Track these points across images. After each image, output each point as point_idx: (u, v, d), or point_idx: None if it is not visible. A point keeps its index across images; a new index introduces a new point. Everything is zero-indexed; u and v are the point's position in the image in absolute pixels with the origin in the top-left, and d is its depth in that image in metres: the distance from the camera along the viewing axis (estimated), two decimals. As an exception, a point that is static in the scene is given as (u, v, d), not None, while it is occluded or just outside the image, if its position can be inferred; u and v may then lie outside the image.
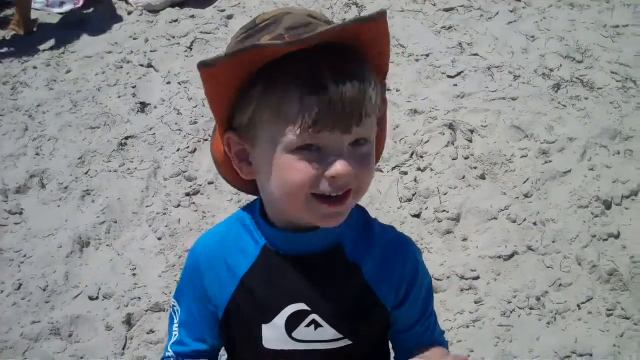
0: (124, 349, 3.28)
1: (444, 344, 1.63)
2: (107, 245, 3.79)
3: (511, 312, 3.41)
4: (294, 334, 1.44)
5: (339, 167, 1.26)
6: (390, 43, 1.36)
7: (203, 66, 1.27)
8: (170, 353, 1.60)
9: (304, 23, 1.32)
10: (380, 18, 1.26)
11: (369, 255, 1.48)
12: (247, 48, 1.24)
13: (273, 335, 1.45)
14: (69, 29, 5.74)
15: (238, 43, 1.36)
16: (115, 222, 3.91)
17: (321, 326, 1.44)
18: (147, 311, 3.42)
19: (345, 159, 1.27)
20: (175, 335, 1.59)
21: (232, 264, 1.47)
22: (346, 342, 1.47)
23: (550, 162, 4.23)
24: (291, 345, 1.45)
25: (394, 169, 4.23)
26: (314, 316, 1.44)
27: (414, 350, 1.52)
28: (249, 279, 1.45)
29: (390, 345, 1.64)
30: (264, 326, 1.45)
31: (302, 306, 1.43)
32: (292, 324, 1.44)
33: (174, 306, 1.62)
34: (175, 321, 1.60)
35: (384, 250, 1.50)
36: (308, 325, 1.44)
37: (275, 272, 1.44)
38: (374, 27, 1.27)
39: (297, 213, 1.37)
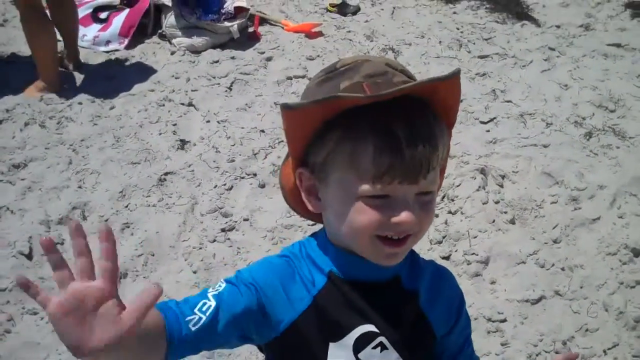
0: (157, 378, 3.36)
1: None
2: (144, 277, 3.91)
3: (537, 355, 3.45)
4: (360, 355, 1.48)
5: (404, 216, 1.36)
6: (460, 99, 1.44)
7: (286, 108, 1.38)
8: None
9: (381, 72, 1.40)
10: (456, 76, 1.35)
11: (420, 284, 1.57)
12: (330, 98, 1.32)
13: (339, 353, 1.48)
14: (113, 67, 5.95)
15: (318, 85, 1.46)
16: (153, 255, 4.03)
17: (387, 349, 1.49)
18: (180, 342, 3.51)
19: (411, 208, 1.37)
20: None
21: (304, 283, 1.50)
22: None
23: (580, 208, 4.29)
24: None
25: (424, 211, 4.30)
26: (382, 339, 1.49)
27: None
28: (321, 298, 1.49)
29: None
30: (331, 344, 1.48)
31: (371, 327, 1.49)
32: (360, 344, 1.48)
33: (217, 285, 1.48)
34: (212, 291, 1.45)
35: (431, 279, 1.60)
36: (375, 347, 1.49)
37: (344, 295, 1.49)
38: (450, 84, 1.36)
39: (360, 250, 1.46)
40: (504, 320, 3.63)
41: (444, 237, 4.11)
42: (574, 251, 4.01)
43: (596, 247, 4.02)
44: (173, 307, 1.37)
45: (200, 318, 1.36)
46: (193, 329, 1.34)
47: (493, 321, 3.61)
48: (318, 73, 1.51)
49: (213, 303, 1.39)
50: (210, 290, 1.44)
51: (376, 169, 1.33)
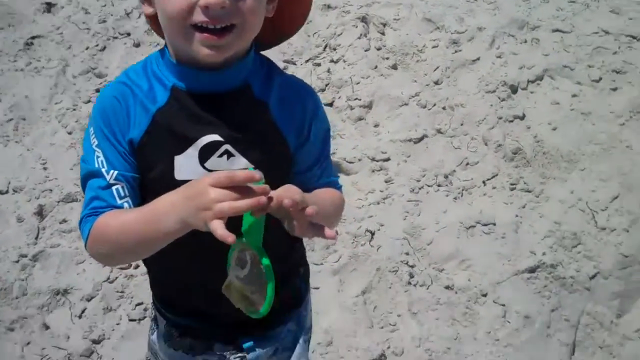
0: (36, 238, 3.26)
1: (339, 188, 1.68)
2: (16, 142, 3.72)
3: (420, 189, 3.51)
4: (207, 164, 1.45)
5: None
6: None
7: None
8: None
9: None
10: None
11: (273, 94, 1.52)
12: None
13: (186, 165, 1.45)
14: None
15: None
16: (24, 119, 3.83)
17: (233, 156, 1.46)
18: (59, 202, 3.39)
19: None
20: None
21: (143, 102, 1.45)
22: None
23: (460, 51, 4.30)
24: (203, 175, 1.42)
25: (307, 61, 4.24)
26: (227, 146, 1.45)
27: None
28: (163, 114, 1.45)
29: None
30: (176, 157, 1.45)
31: (216, 137, 1.45)
32: (206, 154, 1.45)
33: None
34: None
35: (286, 90, 1.54)
36: (221, 155, 1.45)
37: (188, 108, 1.45)
38: None
39: (181, 45, 1.40)
40: (388, 159, 3.66)
41: (326, 85, 4.06)
42: (454, 91, 4.05)
43: (476, 85, 4.07)
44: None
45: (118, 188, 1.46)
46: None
47: (377, 160, 3.64)
48: None
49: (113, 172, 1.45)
50: (97, 165, 1.46)
51: None
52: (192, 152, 1.45)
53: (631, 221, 3.32)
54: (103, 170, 1.44)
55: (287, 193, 1.28)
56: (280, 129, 1.51)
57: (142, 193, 1.50)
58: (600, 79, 4.15)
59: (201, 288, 1.58)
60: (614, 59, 4.26)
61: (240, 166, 1.47)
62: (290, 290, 1.75)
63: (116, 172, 1.44)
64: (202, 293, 1.58)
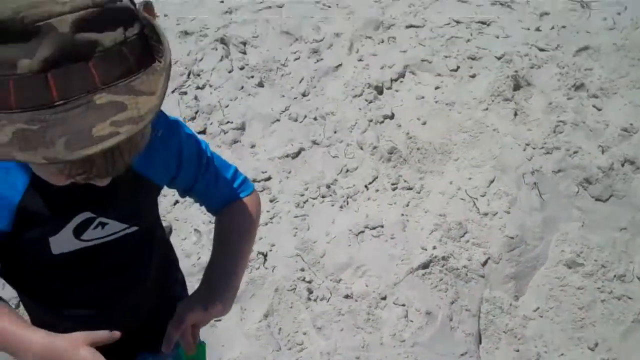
0: None
1: (242, 191, 1.68)
2: None
3: (305, 203, 3.53)
4: (83, 237, 1.41)
5: None
6: None
7: None
8: None
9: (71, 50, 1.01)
10: None
11: None
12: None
13: (61, 242, 1.40)
14: None
15: None
16: None
17: (107, 224, 1.43)
18: None
19: None
20: None
21: (3, 190, 1.32)
22: (133, 229, 1.48)
23: (322, 59, 4.36)
24: (80, 245, 1.42)
25: (173, 91, 4.18)
26: (100, 219, 1.41)
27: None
28: (27, 200, 1.33)
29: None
30: (51, 239, 1.38)
31: (87, 215, 1.39)
32: (80, 230, 1.40)
33: None
34: None
35: None
36: (95, 227, 1.42)
37: (52, 192, 1.31)
38: None
39: None
40: (269, 178, 3.67)
41: (196, 113, 4.02)
42: (322, 100, 4.10)
43: (342, 91, 4.14)
44: None
45: None
46: None
47: (258, 181, 3.64)
48: None
49: None
50: None
51: None
52: (66, 231, 1.39)
53: (510, 202, 3.47)
54: None
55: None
56: (146, 177, 1.46)
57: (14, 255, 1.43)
58: (458, 67, 4.31)
59: None
60: (468, 46, 4.44)
61: (116, 229, 1.45)
62: (172, 299, 1.74)
63: None
64: None
